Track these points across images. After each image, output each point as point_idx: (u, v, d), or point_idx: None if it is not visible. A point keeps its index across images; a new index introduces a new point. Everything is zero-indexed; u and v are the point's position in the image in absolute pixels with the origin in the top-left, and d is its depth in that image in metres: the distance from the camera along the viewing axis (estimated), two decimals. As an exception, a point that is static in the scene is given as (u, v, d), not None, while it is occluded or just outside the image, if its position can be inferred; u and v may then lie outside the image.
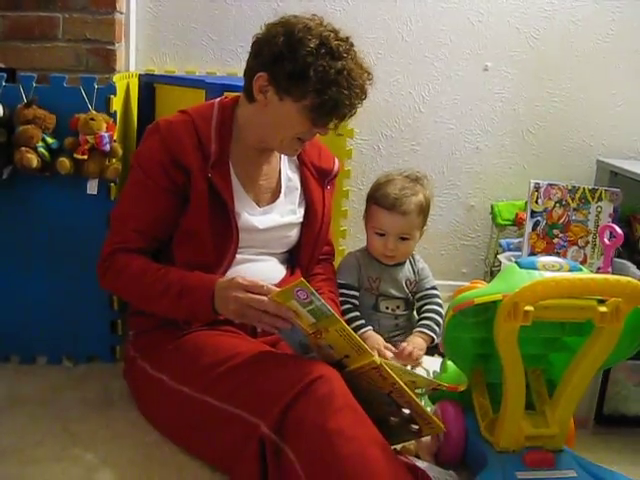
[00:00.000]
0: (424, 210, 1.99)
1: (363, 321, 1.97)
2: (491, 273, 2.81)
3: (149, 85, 2.48)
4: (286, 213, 1.79)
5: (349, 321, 1.91)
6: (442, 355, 1.92)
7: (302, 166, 1.84)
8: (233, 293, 1.49)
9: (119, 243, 1.67)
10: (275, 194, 1.79)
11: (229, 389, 1.46)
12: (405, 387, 1.44)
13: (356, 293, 2.02)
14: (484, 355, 1.62)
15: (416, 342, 1.93)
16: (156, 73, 2.67)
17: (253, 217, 1.72)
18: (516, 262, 1.51)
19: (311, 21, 1.60)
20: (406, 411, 1.51)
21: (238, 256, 1.71)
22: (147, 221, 1.66)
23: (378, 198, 1.97)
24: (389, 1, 2.81)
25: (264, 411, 1.37)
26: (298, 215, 1.82)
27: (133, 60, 2.74)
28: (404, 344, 1.92)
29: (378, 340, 1.93)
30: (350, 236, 2.73)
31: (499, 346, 1.46)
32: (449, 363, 1.76)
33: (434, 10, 2.83)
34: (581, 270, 1.50)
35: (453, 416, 1.66)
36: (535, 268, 1.48)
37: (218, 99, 1.76)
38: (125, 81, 2.34)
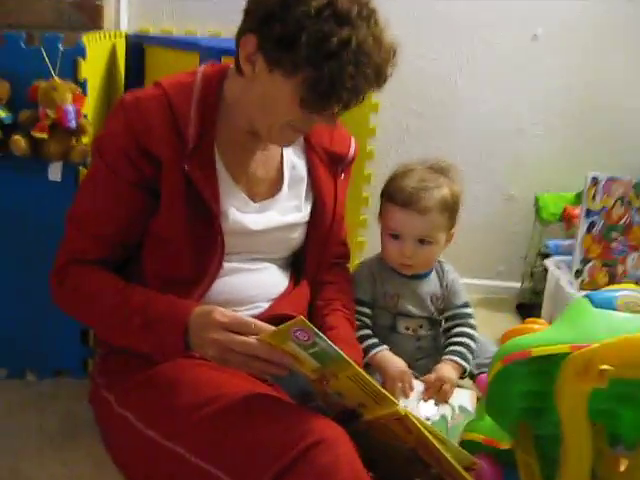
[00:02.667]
0: (449, 207, 1.74)
1: (376, 340, 1.74)
2: (531, 275, 2.60)
3: (138, 47, 2.25)
4: (289, 210, 1.56)
5: (359, 340, 1.68)
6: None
7: (309, 150, 1.59)
8: (210, 335, 1.25)
9: (75, 252, 1.46)
10: (275, 186, 1.55)
11: (207, 442, 1.26)
12: (434, 441, 1.25)
13: (368, 311, 1.79)
14: (535, 409, 1.35)
15: (445, 374, 1.67)
16: (150, 33, 2.43)
17: (245, 216, 1.48)
18: (588, 296, 1.24)
19: None
20: (434, 470, 1.34)
21: (227, 264, 1.48)
22: (109, 224, 1.43)
23: (392, 193, 1.74)
24: None
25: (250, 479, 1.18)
26: (304, 213, 1.58)
27: (125, 17, 2.49)
28: (430, 376, 1.63)
29: (397, 363, 1.69)
30: (371, 228, 2.47)
31: (561, 409, 1.20)
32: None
33: None
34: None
35: (491, 478, 1.42)
36: (614, 307, 1.20)
37: (202, 67, 1.50)
38: (109, 42, 2.12)
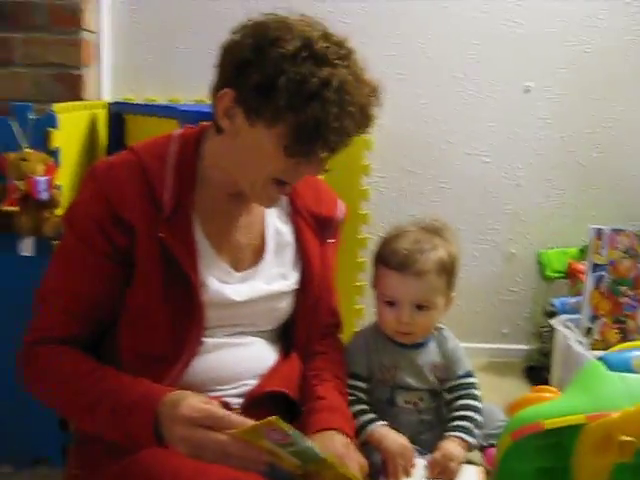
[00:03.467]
0: (447, 269, 1.64)
1: (373, 415, 1.61)
2: (539, 335, 2.51)
3: (119, 116, 2.24)
4: (274, 278, 1.48)
5: (355, 415, 1.58)
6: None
7: (295, 214, 1.52)
8: (180, 432, 1.17)
9: (44, 330, 1.37)
10: (259, 253, 1.47)
11: None
12: None
13: (364, 385, 1.68)
14: None
15: (452, 451, 1.54)
16: (131, 101, 2.45)
17: (227, 286, 1.40)
18: (602, 358, 1.16)
19: (297, 21, 1.28)
20: None
21: (209, 340, 1.39)
22: (80, 299, 1.35)
23: (385, 257, 1.65)
24: (408, 12, 2.62)
25: None
26: (291, 281, 1.49)
27: (107, 87, 2.52)
28: (436, 454, 1.51)
29: (397, 439, 1.56)
30: (368, 294, 2.44)
31: None
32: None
33: (462, 20, 2.64)
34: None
35: None
36: (630, 369, 1.12)
37: (178, 131, 1.44)
38: (87, 112, 2.12)
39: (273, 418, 1.04)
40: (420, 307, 1.62)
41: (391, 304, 1.64)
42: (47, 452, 1.85)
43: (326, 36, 1.27)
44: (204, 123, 1.43)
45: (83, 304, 1.36)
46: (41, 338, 1.36)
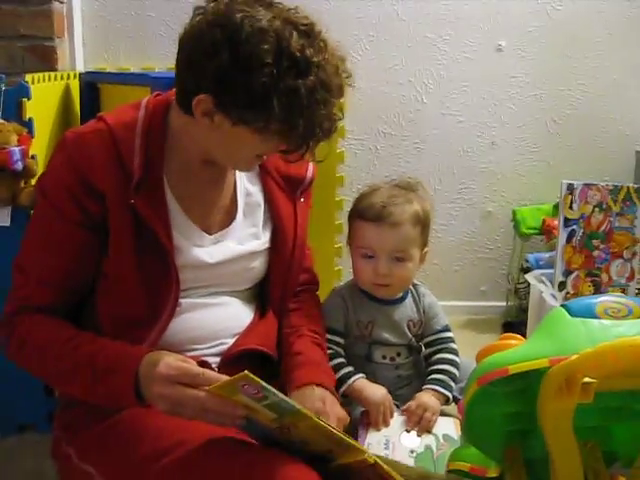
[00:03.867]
0: (422, 221, 1.67)
1: (351, 368, 1.64)
2: (516, 292, 2.56)
3: (92, 85, 2.23)
4: (246, 238, 1.49)
5: (334, 369, 1.60)
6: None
7: (265, 175, 1.53)
8: (158, 389, 1.19)
9: (22, 300, 1.38)
10: (230, 215, 1.48)
11: None
12: None
13: (341, 340, 1.70)
14: (520, 431, 1.26)
15: (426, 401, 1.59)
16: (105, 71, 2.45)
17: (201, 249, 1.42)
18: (564, 306, 1.14)
19: (254, 4, 1.26)
20: None
21: (185, 301, 1.41)
22: (56, 268, 1.36)
23: (361, 211, 1.67)
24: None
25: None
26: (263, 240, 1.51)
27: (80, 58, 2.51)
28: (411, 403, 1.58)
29: (376, 389, 1.60)
30: (347, 255, 2.43)
31: (545, 429, 1.11)
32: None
33: None
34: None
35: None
36: (593, 315, 1.11)
37: (146, 99, 1.44)
38: (61, 82, 2.11)
39: (245, 373, 1.05)
40: (397, 259, 1.65)
41: (368, 257, 1.66)
42: (33, 418, 1.85)
43: (293, 23, 1.25)
44: (172, 91, 1.41)
45: (59, 273, 1.37)
46: (19, 307, 1.38)
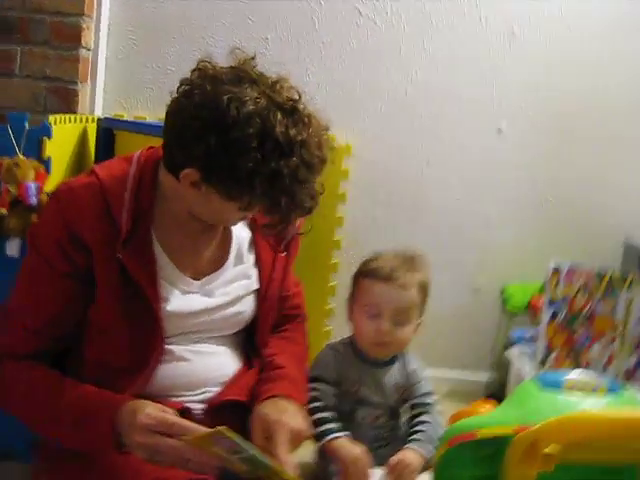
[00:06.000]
0: (424, 291, 1.70)
1: (334, 425, 1.62)
2: (499, 366, 2.53)
3: (109, 131, 2.28)
4: (236, 279, 1.49)
5: (316, 423, 1.59)
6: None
7: (253, 223, 1.54)
8: (137, 438, 1.19)
9: (7, 346, 1.38)
10: (220, 261, 1.49)
11: None
12: None
13: (331, 390, 1.69)
14: None
15: (408, 457, 1.59)
16: (121, 118, 2.50)
17: (187, 297, 1.42)
18: (535, 379, 1.21)
19: (239, 84, 1.25)
20: None
21: (171, 347, 1.41)
22: (43, 317, 1.36)
23: (370, 272, 1.68)
24: (393, 50, 2.65)
25: None
26: (252, 280, 1.51)
27: (99, 103, 2.56)
28: (393, 459, 1.58)
29: (353, 450, 1.58)
30: (338, 316, 2.50)
31: None
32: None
33: (441, 61, 2.66)
34: (622, 393, 1.18)
35: None
36: (560, 388, 1.17)
37: (138, 153, 1.44)
38: (80, 125, 2.18)
39: (222, 428, 1.07)
40: (398, 322, 1.70)
41: (372, 316, 1.70)
42: (13, 446, 1.81)
43: (279, 106, 1.25)
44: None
45: (45, 321, 1.36)
46: (5, 354, 1.37)
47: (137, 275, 1.34)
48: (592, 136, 2.70)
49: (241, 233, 1.53)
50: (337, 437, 1.60)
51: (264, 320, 1.54)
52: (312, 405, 1.63)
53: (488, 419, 1.16)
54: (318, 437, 1.60)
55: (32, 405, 1.34)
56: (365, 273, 1.71)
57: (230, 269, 1.49)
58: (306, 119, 1.26)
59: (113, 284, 1.33)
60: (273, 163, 1.22)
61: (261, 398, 1.41)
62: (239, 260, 1.50)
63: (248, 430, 1.33)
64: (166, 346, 1.39)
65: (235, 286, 1.48)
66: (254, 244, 1.53)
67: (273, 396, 1.40)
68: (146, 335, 1.37)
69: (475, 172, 2.69)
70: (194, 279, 1.44)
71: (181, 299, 1.41)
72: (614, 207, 2.74)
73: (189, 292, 1.43)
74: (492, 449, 1.16)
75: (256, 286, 1.51)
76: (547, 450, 1.04)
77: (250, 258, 1.52)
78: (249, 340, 1.57)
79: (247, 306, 1.51)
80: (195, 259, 1.46)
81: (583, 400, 1.13)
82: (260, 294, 1.52)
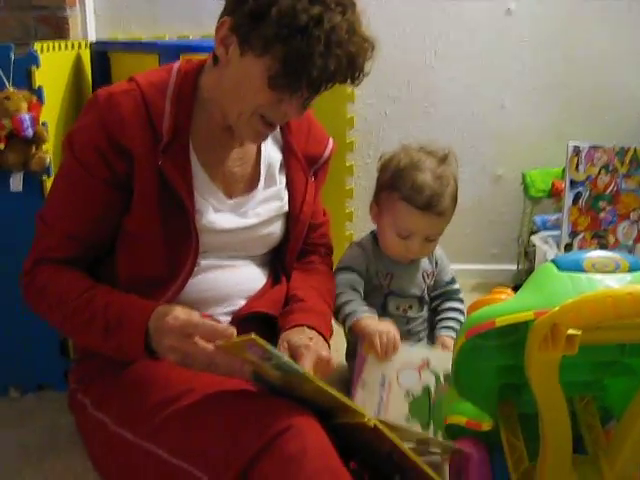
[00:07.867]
0: (456, 198, 1.69)
1: (360, 306, 1.64)
2: (526, 254, 2.50)
3: (103, 55, 2.22)
4: (267, 201, 1.51)
5: (341, 306, 1.63)
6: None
7: (288, 152, 1.55)
8: (167, 341, 1.22)
9: (44, 251, 1.41)
10: (252, 184, 1.50)
11: (177, 437, 1.21)
12: (409, 451, 1.18)
13: (359, 279, 1.70)
14: (513, 385, 1.28)
15: (447, 341, 1.68)
16: (116, 40, 2.42)
17: (220, 214, 1.44)
18: (553, 261, 1.15)
19: None
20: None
21: (202, 261, 1.43)
22: (80, 223, 1.38)
23: (406, 193, 1.63)
24: None
25: (217, 473, 1.13)
26: (283, 202, 1.53)
27: (92, 27, 2.47)
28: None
29: (381, 323, 1.59)
30: (358, 218, 2.51)
31: (532, 381, 1.12)
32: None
33: None
34: (646, 269, 1.13)
35: (477, 464, 1.32)
36: (581, 269, 1.11)
37: (177, 63, 1.45)
38: (72, 51, 2.11)
39: (252, 336, 1.06)
40: (429, 239, 1.67)
41: (403, 237, 1.66)
42: (50, 377, 1.86)
43: None
44: (203, 58, 1.44)
45: (82, 228, 1.38)
46: (41, 259, 1.40)
47: (176, 184, 1.35)
48: (604, 8, 2.56)
49: (272, 154, 1.52)
50: (361, 318, 1.61)
51: (295, 242, 1.55)
52: (339, 290, 1.65)
53: (507, 306, 1.12)
54: (345, 320, 1.60)
55: (66, 307, 1.35)
56: (398, 191, 1.64)
57: (262, 190, 1.49)
58: (351, 6, 1.29)
59: (151, 193, 1.34)
60: (297, 3, 1.23)
61: (287, 327, 1.42)
62: (271, 182, 1.51)
63: (274, 342, 1.34)
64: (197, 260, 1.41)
65: (267, 207, 1.49)
66: (285, 166, 1.53)
67: (300, 325, 1.41)
68: (181, 246, 1.38)
69: (485, 56, 2.56)
70: (227, 197, 1.45)
71: (215, 216, 1.42)
72: (631, 83, 2.62)
73: (222, 210, 1.44)
74: (514, 337, 1.14)
75: (287, 208, 1.52)
76: (570, 332, 1.01)
77: (282, 180, 1.52)
78: (276, 261, 1.58)
79: (278, 227, 1.52)
80: (228, 178, 1.46)
81: (604, 279, 1.09)
82: (292, 216, 1.53)
